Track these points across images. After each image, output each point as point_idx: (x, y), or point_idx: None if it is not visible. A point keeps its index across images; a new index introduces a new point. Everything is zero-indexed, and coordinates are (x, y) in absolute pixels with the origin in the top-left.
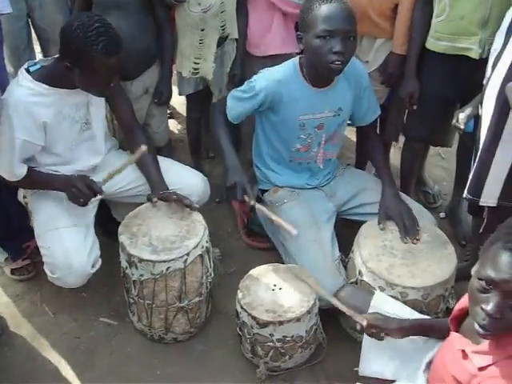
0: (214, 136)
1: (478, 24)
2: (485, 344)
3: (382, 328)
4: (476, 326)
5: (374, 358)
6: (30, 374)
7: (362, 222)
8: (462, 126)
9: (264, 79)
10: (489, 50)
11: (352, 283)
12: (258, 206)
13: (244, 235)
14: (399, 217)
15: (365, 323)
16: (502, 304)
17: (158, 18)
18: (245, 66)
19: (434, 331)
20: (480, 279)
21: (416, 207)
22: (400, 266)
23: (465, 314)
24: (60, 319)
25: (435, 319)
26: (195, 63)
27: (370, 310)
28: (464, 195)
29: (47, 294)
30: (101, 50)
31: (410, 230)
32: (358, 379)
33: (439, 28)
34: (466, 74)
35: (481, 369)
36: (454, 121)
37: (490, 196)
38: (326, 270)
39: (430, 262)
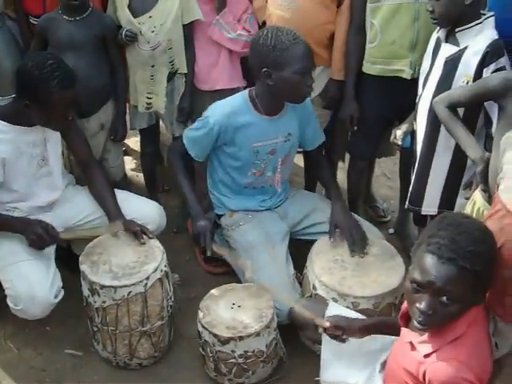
0: (176, 182)
1: (408, 47)
2: (428, 334)
3: (344, 329)
4: (415, 323)
5: (334, 366)
6: None
7: (314, 242)
8: (400, 143)
9: (216, 114)
10: (419, 70)
11: (307, 297)
12: (216, 248)
13: (202, 262)
14: (348, 230)
15: (327, 324)
16: (432, 302)
17: (111, 58)
18: (194, 99)
19: (392, 328)
20: (411, 282)
21: (364, 224)
22: (351, 277)
23: None
24: (25, 354)
25: (393, 317)
26: (148, 98)
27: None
28: (406, 205)
29: (11, 331)
30: (57, 85)
31: (357, 243)
32: None
33: (373, 53)
34: (400, 94)
35: (426, 356)
36: (391, 138)
37: (430, 205)
38: (282, 287)
39: (380, 273)
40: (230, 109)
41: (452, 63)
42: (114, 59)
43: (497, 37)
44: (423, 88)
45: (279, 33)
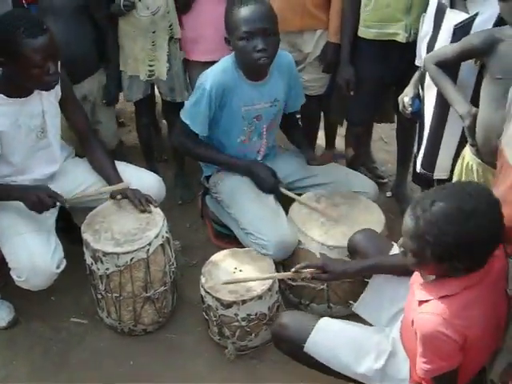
0: (201, 159)
1: (402, 11)
2: (426, 284)
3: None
4: None
5: (373, 303)
6: (5, 380)
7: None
8: (410, 109)
9: (209, 77)
10: (415, 34)
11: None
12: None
13: (213, 237)
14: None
15: (309, 276)
16: None
17: (98, 22)
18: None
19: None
20: None
21: (358, 175)
22: (349, 229)
23: None
24: (32, 325)
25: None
26: (150, 65)
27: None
28: (418, 170)
29: (17, 303)
30: (23, 34)
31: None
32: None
33: (368, 17)
34: (396, 58)
35: (419, 303)
36: (400, 107)
37: (442, 170)
38: (267, 219)
39: (362, 213)
40: (221, 69)
41: (462, 30)
42: (101, 23)
43: None
44: (428, 53)
45: None
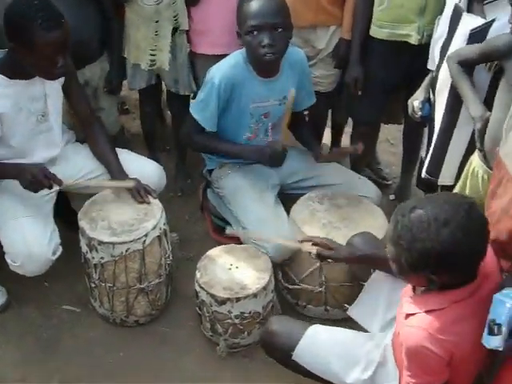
0: (215, 151)
1: (416, 12)
2: (415, 296)
3: (332, 258)
4: None
5: (368, 307)
6: None
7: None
8: (420, 113)
9: (218, 71)
10: (428, 36)
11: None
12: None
13: (212, 231)
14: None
15: (314, 251)
16: None
17: (104, 8)
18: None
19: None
20: None
21: (363, 180)
22: (351, 232)
23: None
24: (24, 310)
25: None
26: (152, 55)
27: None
28: (422, 175)
29: (10, 287)
30: (40, 25)
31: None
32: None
33: (381, 16)
34: (407, 60)
35: (407, 315)
36: (410, 111)
37: (447, 176)
38: (270, 222)
39: (365, 217)
40: (232, 63)
41: (479, 36)
42: (107, 10)
43: None
44: (442, 56)
45: None
